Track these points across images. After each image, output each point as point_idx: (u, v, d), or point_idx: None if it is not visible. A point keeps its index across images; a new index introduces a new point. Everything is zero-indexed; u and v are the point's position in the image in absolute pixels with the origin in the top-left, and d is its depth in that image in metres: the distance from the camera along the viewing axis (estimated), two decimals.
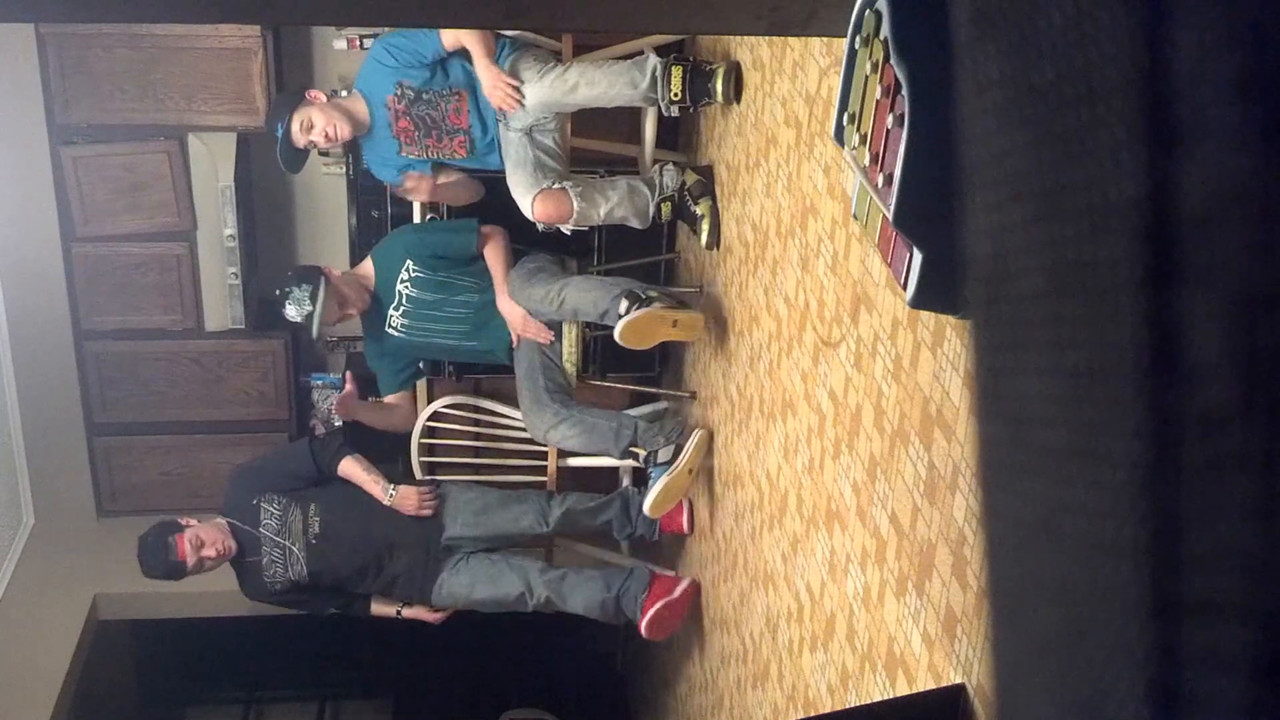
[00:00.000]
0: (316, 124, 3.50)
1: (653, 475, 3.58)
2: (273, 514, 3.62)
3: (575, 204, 3.51)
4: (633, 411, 3.97)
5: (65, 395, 4.68)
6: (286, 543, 3.60)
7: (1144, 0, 0.28)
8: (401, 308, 3.76)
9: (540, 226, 3.63)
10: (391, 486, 3.69)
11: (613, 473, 4.10)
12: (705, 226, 3.57)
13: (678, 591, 3.73)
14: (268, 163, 4.68)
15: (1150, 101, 0.28)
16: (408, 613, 3.86)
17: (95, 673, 4.73)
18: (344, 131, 3.53)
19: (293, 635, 5.63)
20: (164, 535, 3.53)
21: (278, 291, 3.65)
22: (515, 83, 3.46)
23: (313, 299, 3.57)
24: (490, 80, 3.45)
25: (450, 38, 3.51)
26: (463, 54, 3.56)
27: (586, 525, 3.84)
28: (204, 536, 3.54)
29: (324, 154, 4.09)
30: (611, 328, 3.54)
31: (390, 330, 3.78)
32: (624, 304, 3.40)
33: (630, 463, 4.01)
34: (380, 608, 3.87)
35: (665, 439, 3.61)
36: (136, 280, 4.52)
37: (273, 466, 3.76)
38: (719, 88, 3.36)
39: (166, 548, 3.50)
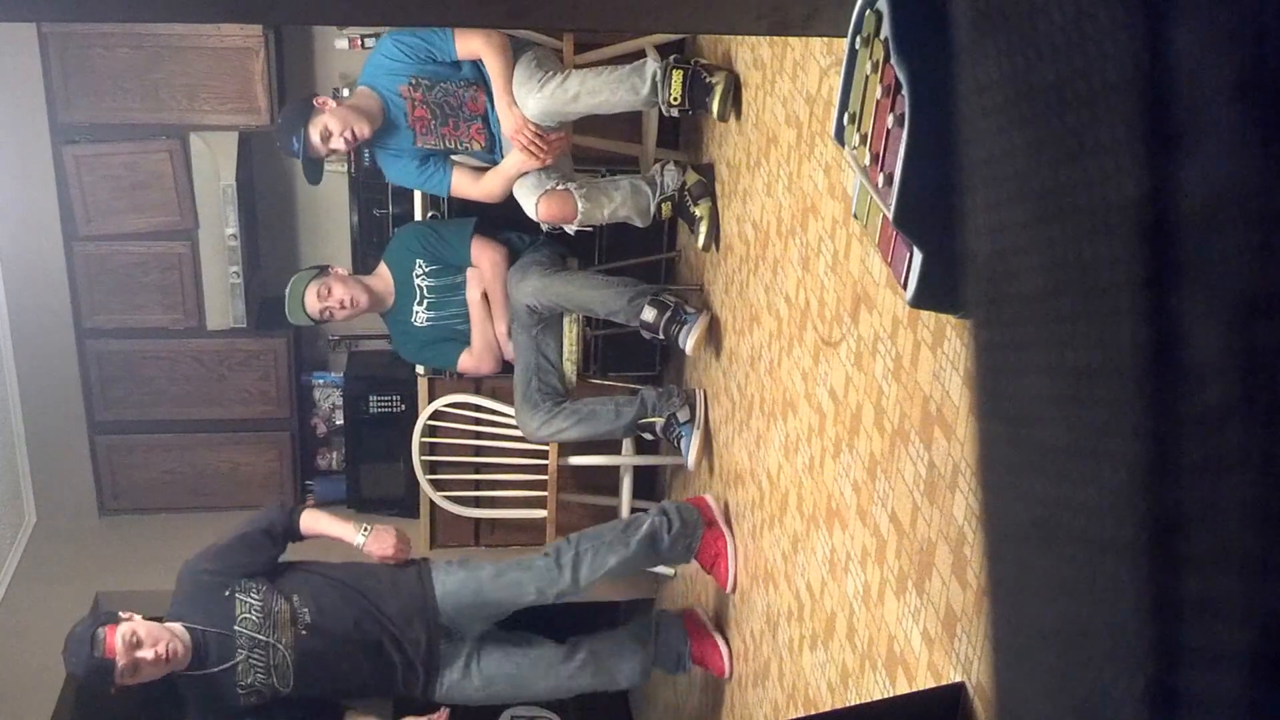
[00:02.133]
0: (334, 130, 3.47)
1: (683, 434, 3.65)
2: (252, 606, 3.02)
3: (580, 205, 3.53)
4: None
5: (67, 393, 4.68)
6: (271, 639, 3.01)
7: (1144, 0, 0.28)
8: (425, 300, 3.80)
9: (545, 227, 3.64)
10: (365, 526, 3.23)
11: (614, 472, 4.10)
12: (703, 229, 3.58)
13: (715, 634, 3.47)
14: (269, 162, 4.68)
15: (1150, 101, 0.28)
16: None
17: None
18: (363, 131, 3.50)
19: None
20: (93, 625, 2.89)
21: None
22: (541, 134, 3.46)
23: (295, 285, 3.73)
24: (514, 126, 3.46)
25: (465, 49, 3.50)
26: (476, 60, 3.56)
27: (616, 561, 3.32)
28: (143, 634, 2.87)
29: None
30: (621, 325, 3.61)
31: (418, 325, 3.83)
32: (653, 311, 3.47)
33: (632, 458, 4.01)
34: None
35: (680, 399, 3.68)
36: (138, 279, 4.53)
37: (238, 540, 3.10)
38: (715, 106, 3.37)
39: (92, 641, 2.83)
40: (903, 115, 1.33)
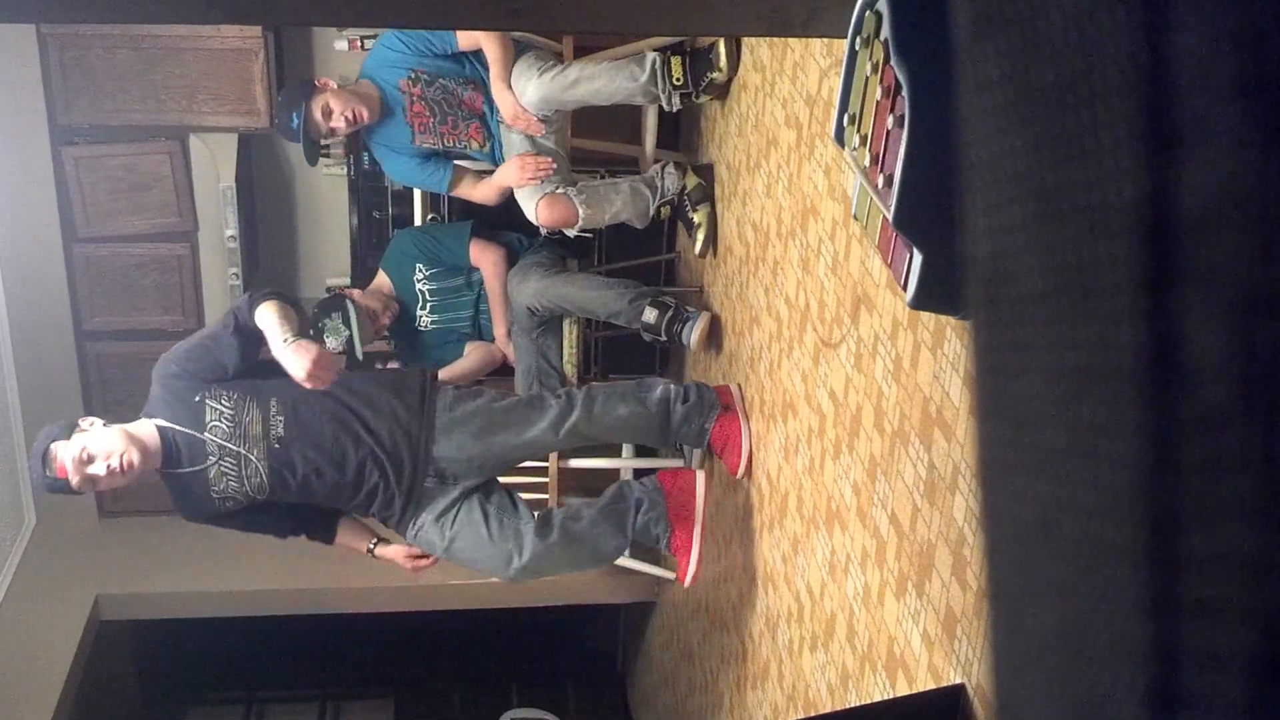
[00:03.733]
0: (335, 109, 3.46)
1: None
2: (222, 414, 2.88)
3: (581, 210, 3.53)
4: None
5: (67, 396, 4.68)
6: (242, 450, 2.88)
7: (1144, 1, 0.28)
8: (428, 304, 3.80)
9: (544, 230, 3.65)
10: (293, 337, 2.79)
11: (613, 474, 4.10)
12: (700, 235, 3.60)
13: (699, 516, 3.25)
14: (269, 163, 4.68)
15: (1150, 102, 0.28)
16: (381, 551, 3.20)
17: (96, 673, 4.73)
18: (363, 114, 3.49)
19: (293, 635, 5.63)
20: (48, 440, 2.79)
21: (311, 331, 3.50)
22: (536, 119, 3.47)
23: (346, 324, 3.60)
24: (511, 112, 3.46)
25: (467, 39, 3.50)
26: (476, 53, 3.56)
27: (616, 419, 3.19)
28: (94, 449, 2.75)
29: (325, 153, 4.09)
30: (621, 327, 3.61)
31: (423, 330, 3.84)
32: (654, 312, 3.47)
33: (632, 460, 4.01)
34: (348, 538, 3.21)
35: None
36: (138, 281, 4.53)
37: (208, 340, 2.94)
38: (721, 52, 3.36)
39: (44, 459, 2.76)
40: (902, 116, 1.33)
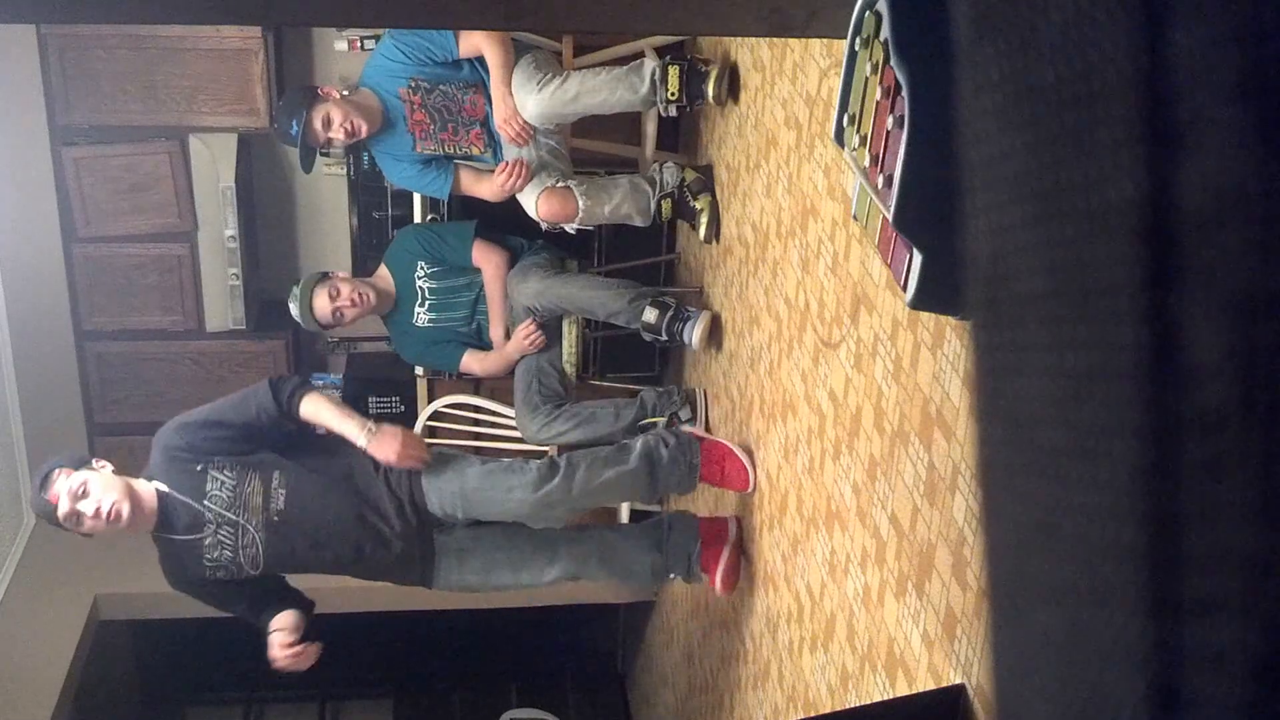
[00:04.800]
0: (335, 120, 3.48)
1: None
2: (224, 484, 2.89)
3: (580, 202, 3.54)
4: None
5: (66, 396, 4.68)
6: (240, 519, 2.88)
7: (1143, 1, 0.28)
8: (427, 302, 3.80)
9: (544, 226, 3.64)
10: (370, 426, 2.93)
11: None
12: (703, 220, 3.59)
13: (732, 533, 3.26)
14: (269, 163, 4.68)
15: (1150, 102, 0.28)
16: (273, 623, 2.98)
17: (96, 673, 4.73)
18: (361, 128, 3.51)
19: None
20: (52, 465, 2.84)
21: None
22: (529, 127, 3.50)
23: (299, 294, 3.67)
24: (504, 114, 3.48)
25: (468, 45, 3.50)
26: (478, 57, 3.56)
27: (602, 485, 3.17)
28: (92, 487, 2.78)
29: (325, 154, 4.09)
30: (621, 327, 3.61)
31: (419, 326, 3.83)
32: (654, 312, 3.48)
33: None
34: (279, 626, 2.99)
35: (680, 399, 3.68)
36: (137, 281, 4.53)
37: (222, 416, 2.94)
38: (710, 90, 3.39)
39: (43, 481, 2.82)
40: (902, 117, 1.33)
